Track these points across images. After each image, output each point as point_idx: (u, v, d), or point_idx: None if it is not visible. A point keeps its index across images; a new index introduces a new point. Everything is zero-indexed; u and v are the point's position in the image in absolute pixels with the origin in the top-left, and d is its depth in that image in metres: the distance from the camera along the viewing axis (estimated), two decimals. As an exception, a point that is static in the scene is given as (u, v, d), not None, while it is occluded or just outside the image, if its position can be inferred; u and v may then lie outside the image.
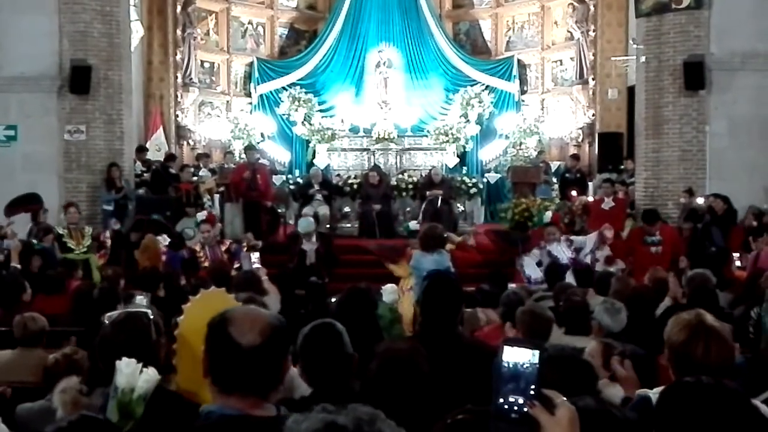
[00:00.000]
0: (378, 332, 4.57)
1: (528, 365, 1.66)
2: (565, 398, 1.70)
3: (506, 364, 1.67)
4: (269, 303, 5.19)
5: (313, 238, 10.59)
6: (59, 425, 2.35)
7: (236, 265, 9.88)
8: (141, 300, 5.95)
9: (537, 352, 1.67)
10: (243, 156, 15.78)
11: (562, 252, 10.17)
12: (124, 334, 3.00)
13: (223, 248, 10.02)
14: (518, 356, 1.67)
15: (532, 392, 1.65)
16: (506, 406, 1.65)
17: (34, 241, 10.32)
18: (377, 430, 1.41)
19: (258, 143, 18.01)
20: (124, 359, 2.69)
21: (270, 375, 2.18)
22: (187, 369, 2.88)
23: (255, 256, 8.38)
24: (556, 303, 6.42)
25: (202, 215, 12.21)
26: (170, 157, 15.38)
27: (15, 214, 11.24)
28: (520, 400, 1.65)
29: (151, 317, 3.14)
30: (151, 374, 2.67)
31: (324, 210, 14.48)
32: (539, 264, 10.20)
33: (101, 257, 11.11)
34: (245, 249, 10.42)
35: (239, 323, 2.17)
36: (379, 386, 3.02)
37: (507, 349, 1.68)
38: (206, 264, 9.69)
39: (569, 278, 8.80)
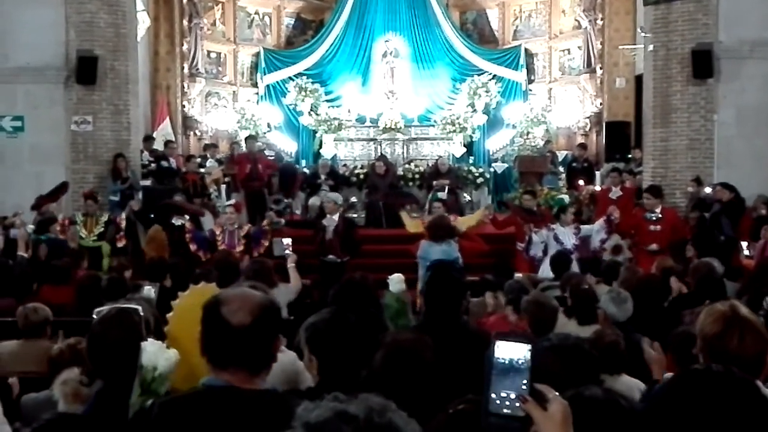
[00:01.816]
0: (378, 323, 4.51)
1: (521, 360, 1.63)
2: (557, 393, 1.67)
3: (498, 359, 1.64)
4: (278, 295, 5.15)
5: (335, 216, 10.63)
6: (35, 425, 2.38)
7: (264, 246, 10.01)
8: (149, 290, 5.97)
9: (530, 347, 1.64)
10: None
11: (568, 237, 10.15)
12: (113, 330, 2.94)
13: (242, 233, 10.10)
14: (511, 351, 1.64)
15: (524, 387, 1.62)
16: (498, 401, 1.62)
17: (31, 227, 10.34)
18: (388, 420, 1.39)
19: (264, 133, 18.02)
20: (150, 339, 2.80)
21: (260, 352, 2.32)
22: (177, 367, 2.85)
23: (287, 241, 8.29)
24: (562, 293, 6.41)
25: (230, 202, 12.35)
26: (167, 143, 15.35)
27: (44, 206, 11.30)
28: (513, 395, 1.62)
29: (142, 314, 3.06)
30: (171, 355, 2.76)
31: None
32: (545, 246, 10.19)
33: (119, 240, 11.27)
34: (266, 227, 10.50)
35: (230, 304, 2.33)
36: (384, 376, 3.00)
37: (499, 343, 1.65)
38: (222, 246, 9.84)
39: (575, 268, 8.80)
